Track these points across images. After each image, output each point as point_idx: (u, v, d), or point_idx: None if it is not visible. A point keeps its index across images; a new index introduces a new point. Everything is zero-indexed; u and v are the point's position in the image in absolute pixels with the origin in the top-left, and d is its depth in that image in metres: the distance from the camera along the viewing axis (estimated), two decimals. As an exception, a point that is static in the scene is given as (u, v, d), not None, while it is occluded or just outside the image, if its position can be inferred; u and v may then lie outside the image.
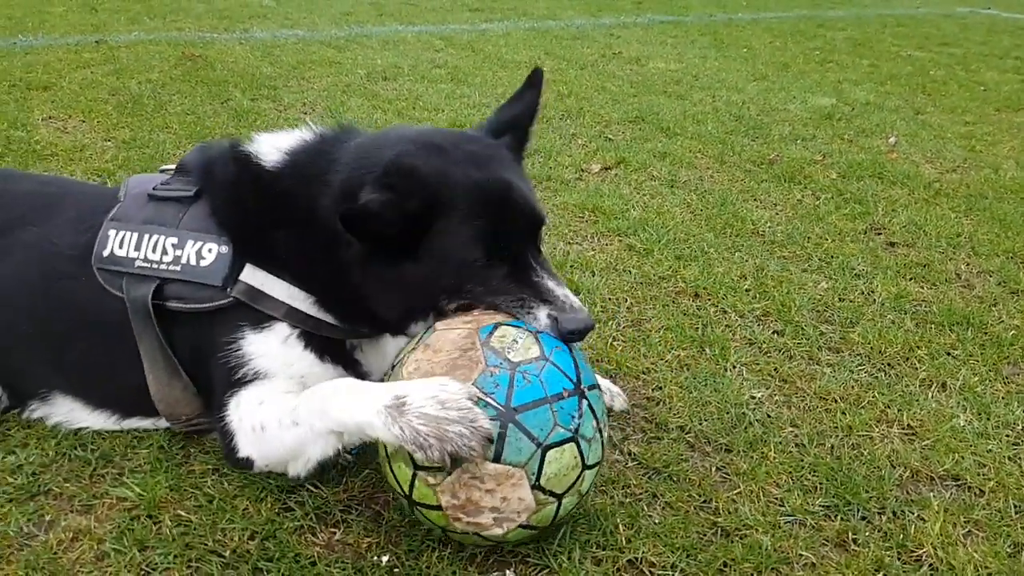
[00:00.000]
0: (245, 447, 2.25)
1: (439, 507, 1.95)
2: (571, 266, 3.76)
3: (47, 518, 2.17)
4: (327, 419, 2.07)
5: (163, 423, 2.49)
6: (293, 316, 2.26)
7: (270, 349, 2.27)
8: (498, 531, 1.96)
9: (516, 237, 2.18)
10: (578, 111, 6.38)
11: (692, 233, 4.22)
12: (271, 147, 2.38)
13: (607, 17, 11.17)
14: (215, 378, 2.31)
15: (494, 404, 1.92)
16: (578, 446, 1.98)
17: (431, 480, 1.94)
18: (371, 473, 2.38)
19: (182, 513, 2.20)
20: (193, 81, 6.43)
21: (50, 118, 5.37)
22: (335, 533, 2.18)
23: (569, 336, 2.11)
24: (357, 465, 2.42)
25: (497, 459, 1.90)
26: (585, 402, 2.03)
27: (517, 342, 2.04)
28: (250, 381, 2.26)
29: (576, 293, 3.41)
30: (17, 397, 2.53)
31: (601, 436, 2.07)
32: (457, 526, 1.97)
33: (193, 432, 2.48)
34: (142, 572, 2.02)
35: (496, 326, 2.07)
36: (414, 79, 7.04)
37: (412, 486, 1.98)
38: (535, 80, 2.55)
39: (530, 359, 2.01)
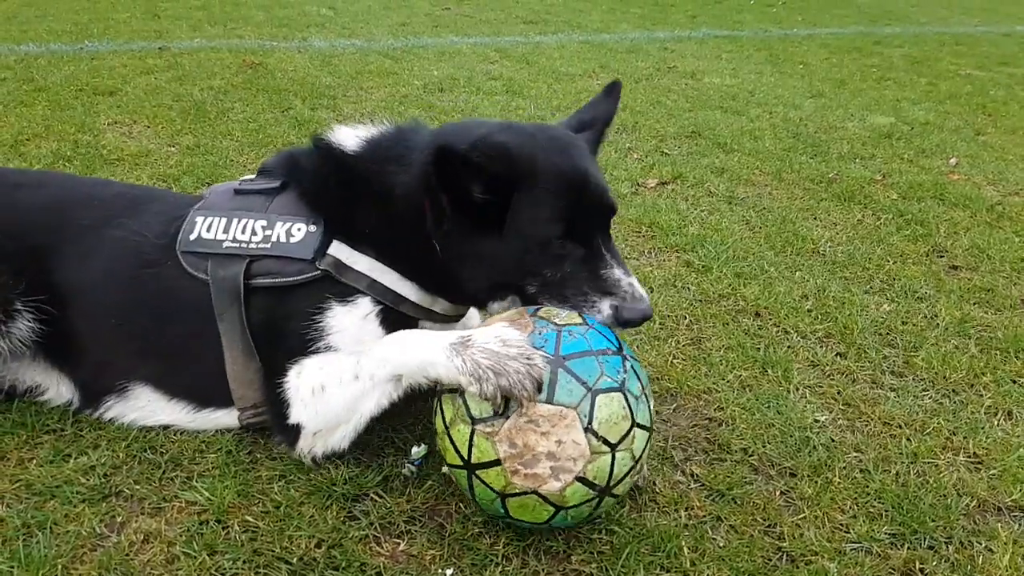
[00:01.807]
0: (298, 412, 2.34)
1: (498, 461, 2.00)
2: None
3: (119, 520, 2.21)
4: (389, 365, 2.22)
5: (232, 418, 2.54)
6: (375, 289, 2.40)
7: (349, 324, 2.38)
8: (556, 484, 1.99)
9: (592, 222, 2.31)
10: (634, 125, 6.37)
11: (751, 251, 4.19)
12: (350, 135, 2.55)
13: (661, 31, 11.14)
14: (283, 347, 2.40)
15: (544, 355, 2.04)
16: (626, 398, 2.06)
17: (488, 430, 2.02)
18: (434, 484, 2.40)
19: (250, 519, 2.23)
20: (254, 89, 6.54)
21: (115, 123, 5.49)
22: (399, 544, 2.19)
23: (626, 324, 2.28)
24: (420, 476, 2.43)
25: (550, 400, 1.99)
26: (628, 363, 2.14)
27: (561, 314, 2.20)
28: (318, 353, 2.37)
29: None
30: (90, 396, 2.59)
31: (648, 402, 2.15)
32: (516, 483, 2.00)
33: (258, 424, 2.53)
34: (212, 576, 2.05)
35: (541, 307, 2.25)
36: (470, 91, 7.09)
37: (471, 446, 2.04)
38: (614, 90, 2.74)
39: (575, 323, 2.16)
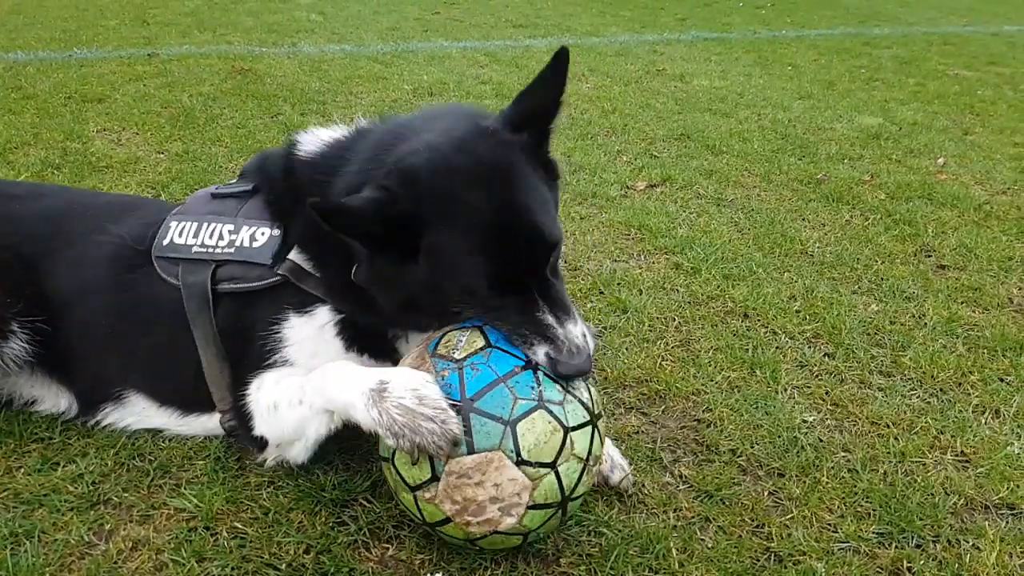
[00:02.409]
0: (260, 425, 2.34)
1: (448, 519, 1.99)
2: (618, 284, 3.76)
3: (107, 527, 2.21)
4: (323, 397, 2.16)
5: (216, 423, 2.53)
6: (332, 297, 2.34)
7: (306, 336, 2.35)
8: (511, 520, 1.97)
9: (523, 266, 2.02)
10: (623, 128, 6.39)
11: (740, 252, 4.20)
12: (315, 139, 2.42)
13: (650, 34, 11.16)
14: (246, 357, 2.40)
15: (451, 402, 1.96)
16: (549, 411, 1.99)
17: (427, 495, 1.99)
18: (423, 489, 2.40)
19: (238, 525, 2.23)
20: (243, 95, 6.54)
21: (104, 130, 5.49)
22: (388, 549, 2.20)
23: (562, 377, 2.05)
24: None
25: (471, 451, 1.94)
26: (540, 372, 2.03)
27: (461, 341, 2.09)
28: (277, 366, 2.36)
29: (623, 311, 3.45)
30: (87, 404, 2.59)
31: (575, 395, 2.06)
32: (474, 531, 1.99)
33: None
34: (200, 583, 2.05)
35: (444, 335, 2.13)
36: (459, 95, 7.09)
37: (419, 509, 2.03)
38: (560, 63, 2.11)
39: (475, 351, 2.05)
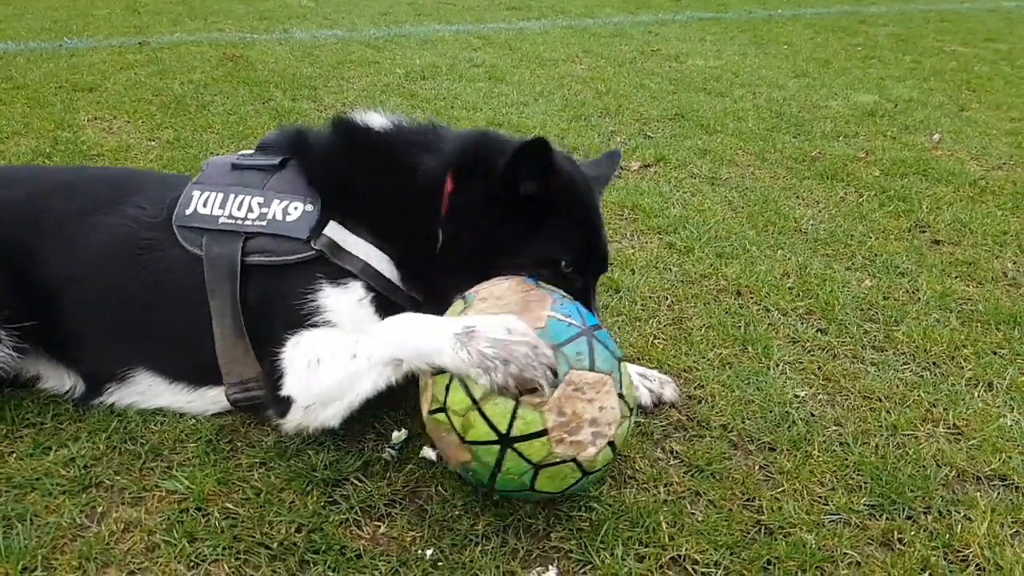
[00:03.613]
0: (290, 384, 2.31)
1: (543, 432, 1.96)
2: (611, 264, 3.75)
3: (99, 510, 2.21)
4: (391, 347, 2.16)
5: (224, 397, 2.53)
6: (367, 273, 2.38)
7: (344, 306, 2.37)
8: (592, 451, 2.00)
9: (593, 268, 2.42)
10: (617, 108, 6.37)
11: (733, 231, 4.19)
12: (382, 118, 2.58)
13: (645, 14, 11.13)
14: (280, 322, 2.38)
15: (576, 324, 2.08)
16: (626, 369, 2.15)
17: (535, 401, 1.96)
18: (414, 468, 2.40)
19: (230, 506, 2.23)
20: (235, 82, 6.51)
21: (95, 119, 5.47)
22: (380, 527, 2.20)
23: None
24: (400, 460, 2.44)
25: (592, 367, 2.02)
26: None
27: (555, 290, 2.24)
28: (316, 326, 2.35)
29: (616, 291, 3.45)
30: (94, 384, 2.58)
31: None
32: (558, 451, 1.98)
33: (247, 403, 2.51)
34: (192, 564, 2.05)
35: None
36: (452, 78, 7.07)
37: (513, 418, 1.97)
38: (613, 156, 2.88)
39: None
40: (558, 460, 1.99)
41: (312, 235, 2.38)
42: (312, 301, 2.36)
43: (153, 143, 5.04)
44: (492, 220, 2.30)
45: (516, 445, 1.98)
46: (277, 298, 2.40)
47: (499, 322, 2.03)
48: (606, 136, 5.70)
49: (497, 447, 2.00)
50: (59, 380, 2.62)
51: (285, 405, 2.33)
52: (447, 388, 2.07)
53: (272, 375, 2.35)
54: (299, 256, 2.38)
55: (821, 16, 11.60)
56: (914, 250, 4.06)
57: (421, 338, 2.10)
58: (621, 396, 2.06)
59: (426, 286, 2.43)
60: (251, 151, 2.67)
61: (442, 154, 2.40)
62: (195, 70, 6.83)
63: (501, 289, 2.20)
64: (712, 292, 3.56)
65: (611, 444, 2.04)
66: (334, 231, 2.39)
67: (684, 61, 8.26)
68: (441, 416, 2.07)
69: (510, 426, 1.97)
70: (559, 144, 5.32)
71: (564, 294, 2.22)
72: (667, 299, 3.47)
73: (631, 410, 2.12)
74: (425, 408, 2.15)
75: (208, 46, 7.74)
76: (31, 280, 2.50)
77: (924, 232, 4.32)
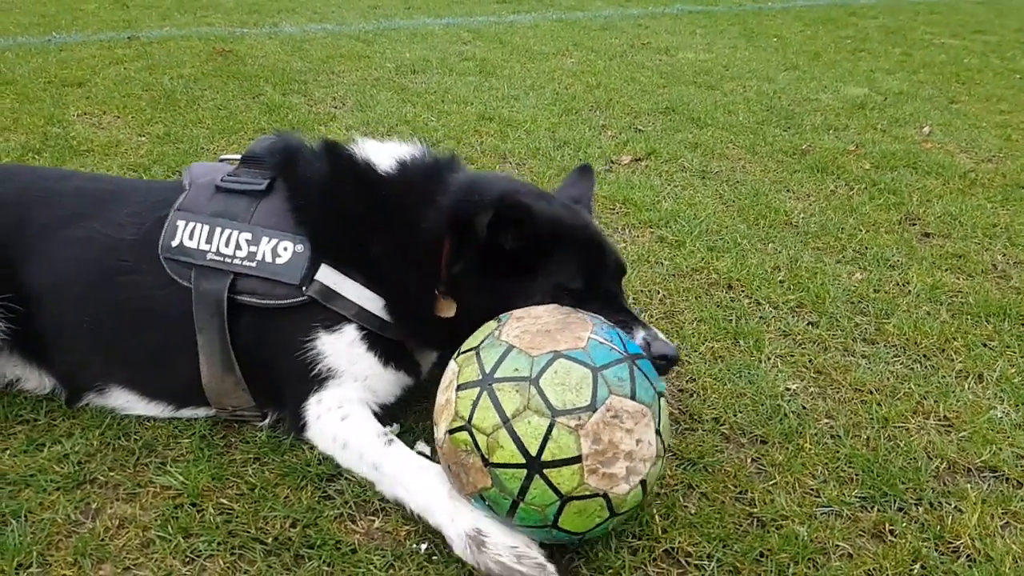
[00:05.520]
0: (314, 438, 2.40)
1: (576, 459, 1.83)
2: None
3: (93, 506, 2.21)
4: (408, 495, 2.18)
5: (211, 411, 2.54)
6: (362, 316, 2.37)
7: (340, 350, 2.38)
8: (624, 487, 1.88)
9: (608, 277, 2.39)
10: (607, 102, 6.37)
11: (724, 224, 4.20)
12: (385, 154, 2.50)
13: (635, 8, 11.12)
14: (287, 371, 2.40)
15: (617, 349, 1.98)
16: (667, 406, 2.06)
17: (573, 423, 1.84)
18: (409, 463, 2.40)
19: (224, 501, 2.23)
20: (224, 76, 6.49)
21: (85, 114, 5.45)
22: (374, 521, 2.21)
23: (659, 360, 2.20)
24: (395, 455, 2.44)
25: (633, 396, 1.91)
26: None
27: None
28: (326, 378, 2.38)
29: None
30: (71, 390, 2.58)
31: None
32: (590, 483, 1.85)
33: (235, 420, 2.54)
34: (187, 559, 2.05)
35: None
36: (443, 72, 7.06)
37: (546, 439, 1.84)
38: (585, 172, 2.92)
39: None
40: (588, 494, 1.86)
41: (304, 281, 2.35)
42: (311, 349, 2.37)
43: (143, 138, 5.02)
44: (492, 277, 2.30)
45: (546, 471, 1.85)
46: (272, 341, 2.40)
47: (511, 543, 1.97)
48: (597, 130, 5.70)
49: (524, 471, 1.86)
50: (39, 381, 2.61)
51: (305, 438, 2.44)
52: (474, 405, 1.93)
53: (296, 420, 2.42)
54: (292, 301, 2.36)
55: (811, 8, 11.61)
56: (904, 243, 4.07)
57: (435, 514, 2.09)
58: (659, 433, 1.95)
59: (420, 338, 2.48)
60: (237, 157, 2.61)
61: (442, 210, 2.34)
62: (185, 65, 6.81)
63: (539, 310, 2.11)
64: (703, 286, 3.57)
65: (643, 484, 1.92)
66: (326, 276, 2.36)
67: (674, 54, 8.26)
68: (463, 436, 1.93)
69: (541, 448, 1.84)
70: (550, 138, 5.34)
71: (604, 319, 2.11)
72: (659, 292, 3.48)
73: (665, 451, 2.00)
74: (443, 426, 2.00)
75: (197, 40, 7.71)
76: (9, 283, 2.47)
77: (914, 225, 4.34)
